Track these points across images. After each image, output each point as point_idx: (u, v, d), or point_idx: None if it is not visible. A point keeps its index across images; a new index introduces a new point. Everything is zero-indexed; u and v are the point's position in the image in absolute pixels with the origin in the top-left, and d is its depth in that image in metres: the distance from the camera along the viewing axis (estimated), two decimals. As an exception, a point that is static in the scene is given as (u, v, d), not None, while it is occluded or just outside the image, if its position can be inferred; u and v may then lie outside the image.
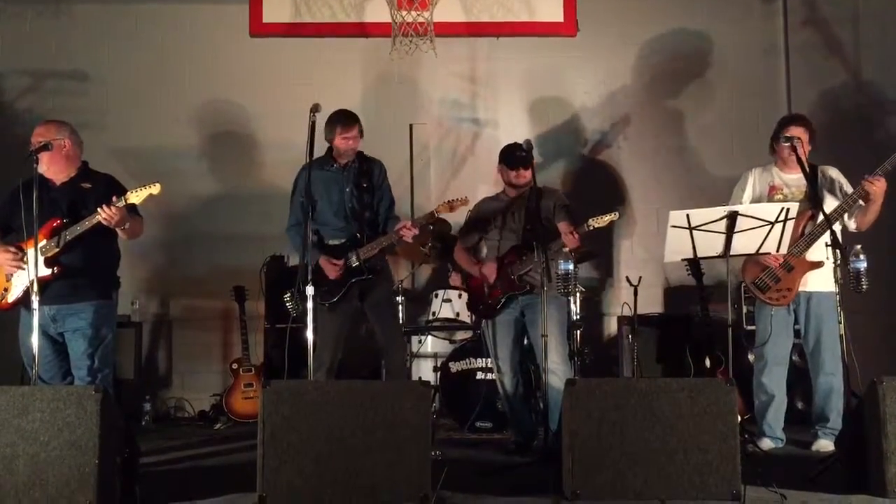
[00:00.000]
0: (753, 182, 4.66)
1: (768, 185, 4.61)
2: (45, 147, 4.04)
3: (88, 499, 3.16)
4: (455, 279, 5.68)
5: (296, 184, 4.73)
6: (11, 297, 4.11)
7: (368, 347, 5.13)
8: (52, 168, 4.16)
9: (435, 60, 5.87)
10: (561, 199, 4.69)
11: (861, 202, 4.34)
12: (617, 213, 4.41)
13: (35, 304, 3.79)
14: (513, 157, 4.60)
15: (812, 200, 4.35)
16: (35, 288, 3.80)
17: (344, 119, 4.62)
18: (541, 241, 4.25)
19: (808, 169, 4.32)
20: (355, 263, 4.56)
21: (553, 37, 6.23)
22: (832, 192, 4.51)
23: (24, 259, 4.03)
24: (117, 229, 4.08)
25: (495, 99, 6.47)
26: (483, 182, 5.89)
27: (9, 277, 4.12)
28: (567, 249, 4.25)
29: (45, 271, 3.98)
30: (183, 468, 4.37)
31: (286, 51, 6.28)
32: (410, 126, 6.34)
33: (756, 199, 4.58)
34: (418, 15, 5.70)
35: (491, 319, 4.65)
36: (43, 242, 4.00)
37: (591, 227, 4.34)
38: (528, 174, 4.56)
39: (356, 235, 4.63)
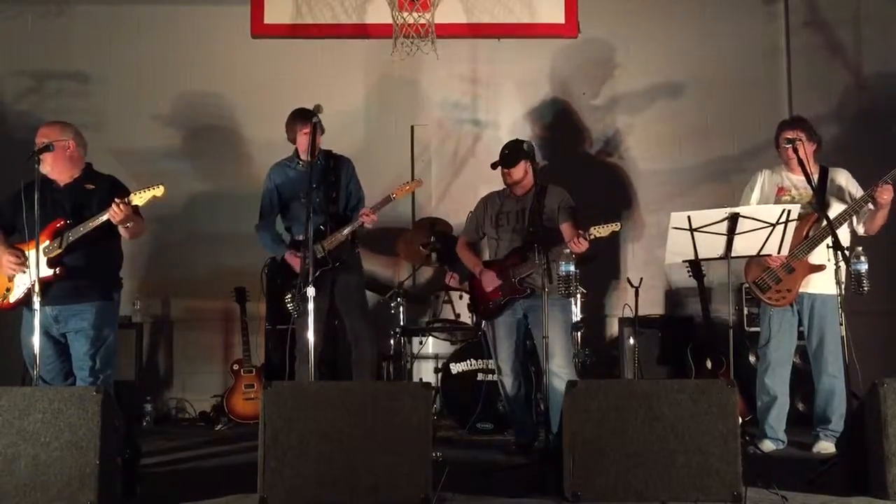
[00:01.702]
0: (762, 184, 4.66)
1: (776, 187, 4.61)
2: (47, 148, 4.05)
3: (90, 499, 3.17)
4: (452, 280, 5.68)
5: (265, 183, 4.96)
6: (13, 298, 4.12)
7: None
8: (56, 169, 4.17)
9: (436, 62, 5.88)
10: (566, 199, 4.66)
11: (870, 206, 4.33)
12: (619, 224, 4.37)
13: (36, 305, 3.81)
14: (500, 155, 4.61)
15: (817, 204, 4.34)
16: (36, 289, 3.82)
17: (304, 115, 4.73)
18: (541, 244, 4.25)
19: (811, 171, 4.31)
20: (320, 254, 4.63)
21: (554, 38, 6.23)
22: (839, 197, 4.50)
23: (26, 263, 4.04)
24: (120, 227, 4.08)
25: (496, 100, 6.47)
26: (483, 184, 5.85)
27: (11, 278, 4.13)
28: (568, 251, 4.25)
29: (47, 272, 3.99)
30: (184, 469, 4.37)
31: (287, 52, 6.28)
32: (412, 127, 6.35)
33: (764, 201, 4.57)
34: (419, 16, 5.69)
35: (492, 321, 4.66)
36: (46, 243, 4.02)
37: (593, 236, 4.32)
38: (514, 174, 4.55)
39: (320, 228, 4.72)
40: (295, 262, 4.69)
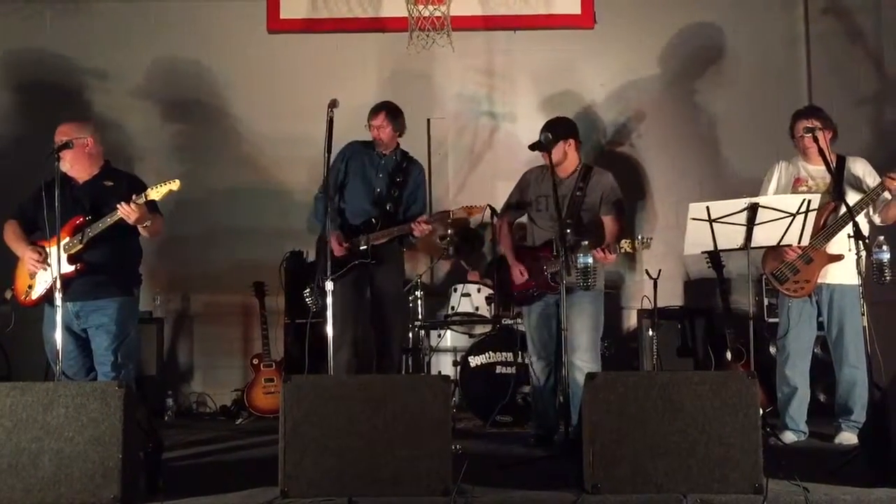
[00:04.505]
0: (779, 174, 4.61)
1: (793, 178, 4.56)
2: (66, 145, 4.09)
3: (113, 493, 3.20)
4: (473, 276, 5.67)
5: (336, 158, 4.86)
6: (35, 294, 4.16)
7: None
8: (76, 166, 4.21)
9: (452, 55, 5.87)
10: (609, 189, 4.49)
11: (887, 195, 4.28)
12: (650, 243, 4.24)
13: (58, 301, 3.85)
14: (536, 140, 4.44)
15: (834, 193, 4.30)
16: (58, 285, 3.86)
17: (371, 109, 4.87)
18: (563, 238, 4.14)
19: (831, 159, 4.28)
20: (363, 247, 4.65)
21: (570, 29, 6.21)
22: (856, 186, 4.44)
23: (47, 261, 4.07)
24: (139, 227, 4.11)
25: (512, 92, 6.45)
26: (500, 176, 5.88)
27: (33, 275, 4.17)
28: (586, 243, 4.21)
29: (68, 268, 4.03)
30: (205, 462, 4.40)
31: (304, 46, 6.30)
32: (428, 121, 6.34)
33: (781, 192, 4.53)
34: (435, 9, 5.69)
35: (526, 307, 4.61)
36: (66, 240, 4.05)
37: (623, 250, 4.27)
38: (554, 156, 4.39)
39: (372, 221, 4.75)
40: (335, 245, 4.64)
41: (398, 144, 4.98)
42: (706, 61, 6.33)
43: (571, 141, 4.49)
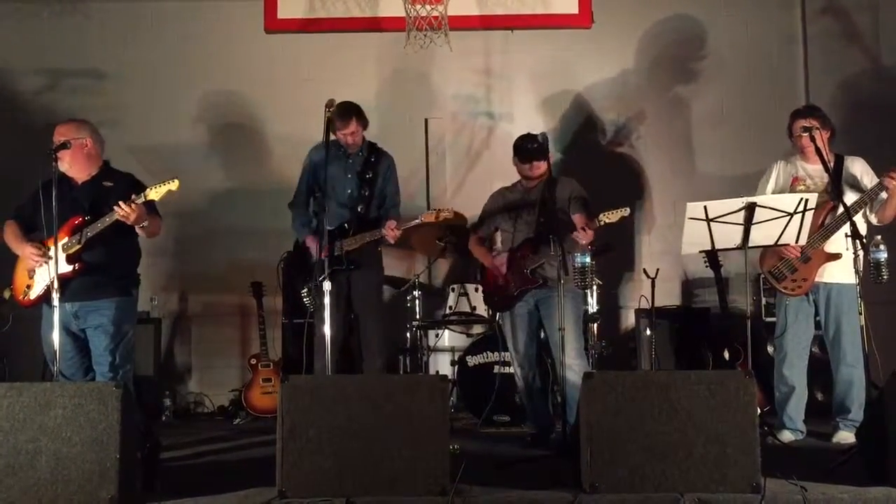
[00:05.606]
0: (777, 174, 4.61)
1: (791, 177, 4.57)
2: (64, 145, 4.08)
3: (110, 493, 3.19)
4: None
5: (305, 161, 4.86)
6: (34, 294, 4.16)
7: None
8: (74, 167, 4.20)
9: (449, 54, 5.86)
10: (577, 189, 4.64)
11: (883, 195, 4.29)
12: (628, 209, 4.35)
13: (56, 301, 3.84)
14: (525, 150, 4.57)
15: (832, 192, 4.30)
16: (56, 285, 3.85)
17: (339, 115, 4.59)
18: (555, 234, 4.23)
19: (828, 159, 4.28)
20: (336, 253, 4.61)
21: (568, 29, 6.20)
22: (854, 185, 4.44)
23: (47, 255, 4.06)
24: (136, 227, 4.11)
25: (510, 92, 6.46)
26: (498, 176, 5.84)
27: (31, 275, 4.17)
28: (583, 242, 4.23)
29: (66, 268, 4.03)
30: (203, 463, 4.40)
31: (301, 46, 6.29)
32: (426, 120, 6.35)
33: (779, 191, 4.53)
34: (432, 9, 5.68)
35: (507, 312, 4.65)
36: (65, 240, 4.05)
37: (603, 223, 4.31)
38: (542, 166, 4.54)
39: (344, 225, 4.70)
40: (314, 247, 4.63)
41: (364, 138, 4.85)
42: (704, 61, 6.33)
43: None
